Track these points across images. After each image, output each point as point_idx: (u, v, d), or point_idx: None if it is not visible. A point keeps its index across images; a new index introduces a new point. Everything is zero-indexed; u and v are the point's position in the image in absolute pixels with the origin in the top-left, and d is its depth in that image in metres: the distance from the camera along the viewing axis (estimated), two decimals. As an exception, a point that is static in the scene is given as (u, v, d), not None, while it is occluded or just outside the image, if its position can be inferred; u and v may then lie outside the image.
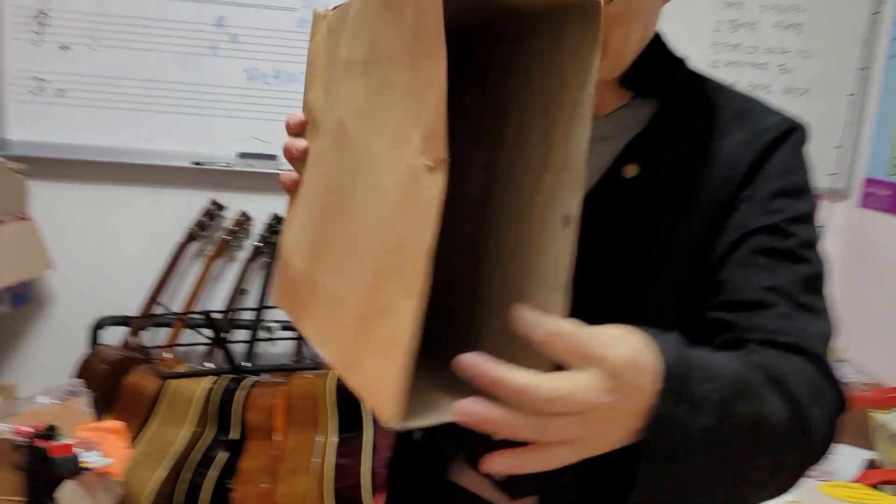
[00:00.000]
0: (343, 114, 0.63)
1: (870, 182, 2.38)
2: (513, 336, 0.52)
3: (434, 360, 0.60)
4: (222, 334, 2.04)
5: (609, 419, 0.48)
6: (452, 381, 0.53)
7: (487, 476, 0.85)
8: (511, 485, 0.83)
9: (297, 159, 0.72)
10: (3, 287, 2.02)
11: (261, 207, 2.33)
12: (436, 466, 0.88)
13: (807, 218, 0.73)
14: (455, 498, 0.89)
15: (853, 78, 2.41)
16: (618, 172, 0.76)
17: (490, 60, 0.66)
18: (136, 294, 2.27)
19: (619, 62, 0.73)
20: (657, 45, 0.80)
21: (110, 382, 2.06)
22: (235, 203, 2.33)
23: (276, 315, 2.27)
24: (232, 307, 2.25)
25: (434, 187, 0.48)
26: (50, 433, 1.45)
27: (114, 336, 2.28)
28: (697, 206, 0.74)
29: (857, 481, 1.68)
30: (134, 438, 2.01)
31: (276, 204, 2.34)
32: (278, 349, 2.35)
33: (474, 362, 0.46)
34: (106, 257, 2.32)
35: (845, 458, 1.78)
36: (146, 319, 2.24)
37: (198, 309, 2.26)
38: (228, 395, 2.05)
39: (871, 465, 1.78)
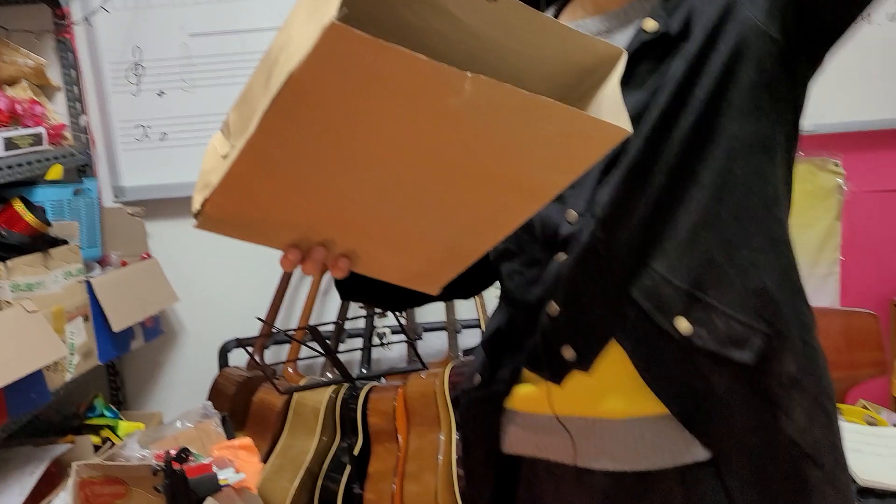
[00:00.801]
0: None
1: None
2: None
3: None
4: (334, 344, 2.11)
5: None
6: None
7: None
8: (584, 352, 0.87)
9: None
10: (137, 323, 2.18)
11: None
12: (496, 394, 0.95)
13: None
14: (514, 471, 0.96)
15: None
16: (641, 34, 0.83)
17: None
18: (258, 315, 2.38)
19: None
20: None
21: (240, 401, 2.18)
22: (335, 217, 2.40)
23: (386, 321, 2.32)
24: (343, 318, 2.32)
25: None
26: (185, 455, 1.55)
27: (242, 357, 2.41)
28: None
29: None
30: (268, 452, 2.12)
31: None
32: (393, 353, 2.40)
33: None
34: (224, 283, 2.45)
35: None
36: (267, 339, 2.36)
37: (313, 322, 2.35)
38: (349, 402, 2.12)
39: None
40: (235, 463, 1.73)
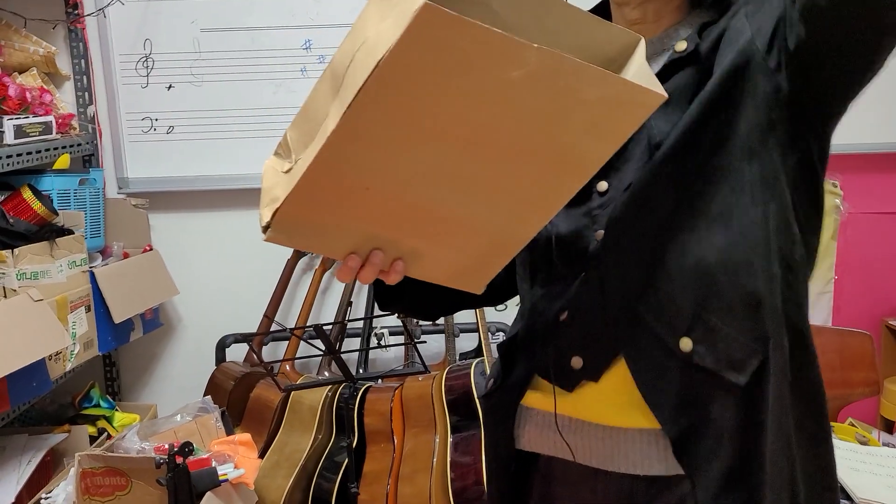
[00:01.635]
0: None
1: None
2: None
3: None
4: (335, 344, 2.12)
5: None
6: None
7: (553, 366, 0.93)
8: (592, 362, 0.91)
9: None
10: (137, 314, 2.19)
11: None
12: (514, 393, 0.99)
13: None
14: (529, 467, 0.99)
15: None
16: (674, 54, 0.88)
17: None
18: (256, 311, 2.39)
19: None
20: None
21: (237, 397, 2.19)
22: (338, 217, 2.41)
23: (385, 322, 2.33)
24: (343, 318, 2.33)
25: None
26: (188, 449, 1.56)
27: (239, 353, 2.41)
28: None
29: None
30: (264, 449, 2.13)
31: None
32: (390, 354, 2.42)
33: None
34: (224, 278, 2.46)
35: None
36: (265, 335, 2.36)
37: (312, 321, 2.36)
38: (346, 402, 2.13)
39: None
40: (235, 459, 1.74)
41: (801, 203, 0.89)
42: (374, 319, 2.35)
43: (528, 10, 0.73)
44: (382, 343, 2.30)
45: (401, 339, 2.33)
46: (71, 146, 2.13)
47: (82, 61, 2.26)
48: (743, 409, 0.84)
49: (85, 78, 2.27)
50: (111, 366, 2.42)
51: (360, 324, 2.35)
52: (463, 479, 2.02)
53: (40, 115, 1.98)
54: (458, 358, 2.31)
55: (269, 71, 2.31)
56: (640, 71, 0.72)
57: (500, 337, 2.29)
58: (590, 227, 0.90)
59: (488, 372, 1.09)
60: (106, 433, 2.09)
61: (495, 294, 1.06)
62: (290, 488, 2.04)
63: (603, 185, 0.90)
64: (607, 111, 0.69)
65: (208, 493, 1.60)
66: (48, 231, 1.80)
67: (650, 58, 0.90)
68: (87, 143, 2.25)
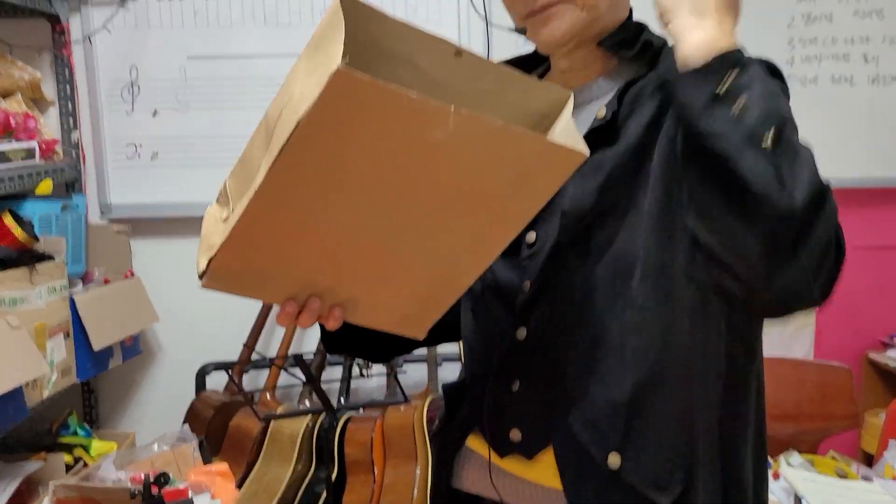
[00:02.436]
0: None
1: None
2: None
3: None
4: (316, 373, 2.11)
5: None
6: None
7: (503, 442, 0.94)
8: (529, 442, 0.92)
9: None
10: (116, 342, 2.16)
11: (346, 247, 2.41)
12: (457, 439, 1.00)
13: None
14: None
15: (945, 59, 2.28)
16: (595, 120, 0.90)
17: None
18: (237, 339, 2.37)
19: (592, 14, 0.88)
20: (633, 23, 0.94)
21: (216, 426, 2.17)
22: (321, 245, 2.41)
23: (367, 350, 2.32)
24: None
25: None
26: (163, 479, 1.54)
27: (219, 381, 2.39)
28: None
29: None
30: (243, 478, 2.10)
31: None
32: (372, 383, 2.40)
33: None
34: (205, 306, 2.43)
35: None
36: (246, 364, 2.35)
37: (293, 350, 2.34)
38: (326, 432, 2.11)
39: None
40: (212, 489, 1.72)
41: (724, 322, 0.87)
42: (357, 348, 2.33)
43: (462, 72, 0.74)
44: (364, 372, 2.28)
45: (382, 368, 2.32)
46: (54, 171, 2.12)
47: (67, 87, 2.27)
48: None
49: (70, 103, 2.27)
50: (89, 393, 2.39)
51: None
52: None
53: (24, 141, 1.97)
54: (440, 389, 2.30)
55: (254, 99, 2.32)
56: (566, 128, 0.74)
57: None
58: (521, 278, 0.91)
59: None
60: (82, 461, 2.06)
61: (443, 334, 1.04)
62: (268, 520, 2.01)
63: (531, 236, 0.91)
64: (530, 169, 0.70)
65: (184, 525, 1.58)
66: (28, 257, 1.79)
67: (578, 106, 0.91)
68: (71, 169, 2.24)
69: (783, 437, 1.87)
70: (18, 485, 1.81)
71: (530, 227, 0.86)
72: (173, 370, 2.46)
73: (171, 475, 1.65)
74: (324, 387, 2.15)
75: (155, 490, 1.52)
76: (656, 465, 0.84)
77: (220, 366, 2.38)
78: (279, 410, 2.19)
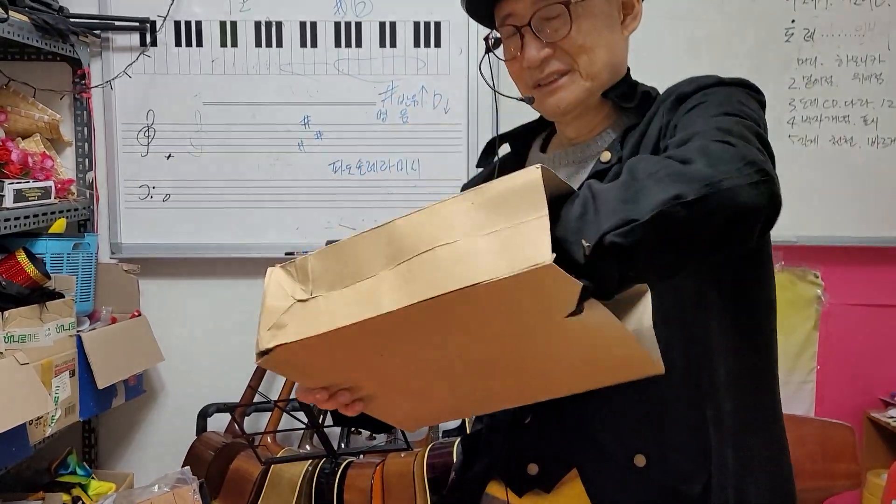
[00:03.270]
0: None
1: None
2: None
3: None
4: (317, 417, 2.11)
5: None
6: None
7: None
8: (546, 473, 0.94)
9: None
10: (120, 381, 2.17)
11: (351, 292, 2.43)
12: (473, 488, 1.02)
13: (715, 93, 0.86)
14: None
15: (943, 123, 2.33)
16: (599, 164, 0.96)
17: None
18: (240, 380, 2.38)
19: (595, 82, 0.96)
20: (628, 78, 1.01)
21: (217, 468, 2.16)
22: (327, 289, 2.43)
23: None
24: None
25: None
26: (162, 522, 1.54)
27: (221, 422, 2.39)
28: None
29: None
30: (240, 523, 2.09)
31: (366, 287, 2.43)
32: (374, 429, 2.40)
33: None
34: (210, 346, 2.45)
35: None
36: (248, 406, 2.35)
37: (295, 394, 2.35)
38: (326, 477, 2.10)
39: None
40: (210, 532, 1.71)
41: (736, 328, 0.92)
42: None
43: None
44: (366, 418, 2.28)
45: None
46: (68, 211, 2.16)
47: (85, 129, 2.32)
48: None
49: (87, 145, 2.32)
50: (90, 432, 2.39)
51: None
52: (442, 561, 1.99)
53: (40, 180, 2.01)
54: (441, 435, 2.29)
55: (267, 144, 2.37)
56: (648, 337, 0.75)
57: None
58: None
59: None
60: (81, 502, 2.05)
61: None
62: (265, 565, 2.00)
63: None
64: (611, 360, 0.73)
65: (182, 569, 1.57)
66: (39, 294, 1.81)
67: (589, 158, 0.98)
68: (84, 209, 2.28)
69: (784, 495, 1.86)
70: (16, 523, 1.80)
71: None
72: (175, 410, 2.46)
73: (170, 517, 1.64)
74: (325, 431, 2.16)
75: (155, 532, 1.51)
76: (680, 458, 0.87)
77: (222, 407, 2.38)
78: (280, 454, 2.18)
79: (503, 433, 0.97)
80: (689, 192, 0.64)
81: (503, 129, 1.14)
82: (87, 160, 2.33)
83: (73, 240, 2.14)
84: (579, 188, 0.68)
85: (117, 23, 2.29)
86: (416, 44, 2.34)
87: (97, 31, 2.28)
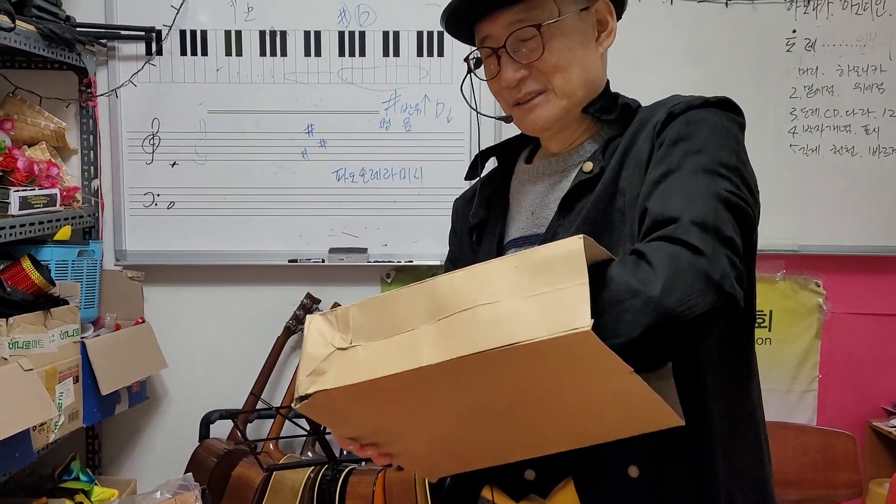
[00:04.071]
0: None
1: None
2: None
3: None
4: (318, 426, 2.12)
5: None
6: None
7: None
8: (543, 479, 0.96)
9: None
10: (123, 387, 2.18)
11: (353, 298, 2.43)
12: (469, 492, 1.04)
13: (698, 151, 0.86)
14: None
15: (945, 132, 2.34)
16: (581, 174, 0.99)
17: None
18: (243, 387, 2.39)
19: (571, 100, 0.99)
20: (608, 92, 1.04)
21: (219, 474, 2.17)
22: (329, 295, 2.45)
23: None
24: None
25: None
26: (164, 528, 1.54)
27: (223, 429, 2.40)
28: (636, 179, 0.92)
29: None
30: (242, 529, 2.09)
31: (367, 294, 2.43)
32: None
33: None
34: (213, 353, 2.47)
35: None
36: (251, 412, 2.36)
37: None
38: (328, 484, 2.11)
39: None
40: (212, 539, 1.72)
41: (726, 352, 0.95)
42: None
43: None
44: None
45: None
46: (73, 218, 2.17)
47: (91, 137, 2.34)
48: None
49: (92, 153, 2.34)
50: (93, 438, 2.40)
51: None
52: (443, 568, 1.99)
53: (46, 188, 2.03)
54: (443, 443, 2.30)
55: (271, 152, 2.39)
56: (668, 391, 0.77)
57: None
58: None
59: None
60: (83, 507, 2.06)
61: None
62: (266, 572, 2.00)
63: None
64: (640, 414, 0.75)
65: (183, 574, 1.58)
66: (44, 301, 1.83)
67: (570, 168, 1.01)
68: (89, 216, 2.30)
69: (786, 504, 1.87)
70: (19, 529, 1.81)
71: None
72: (178, 417, 2.47)
73: (172, 523, 1.65)
74: (327, 437, 2.16)
75: (156, 537, 1.52)
76: (672, 469, 0.89)
77: (224, 414, 2.39)
78: (282, 461, 2.19)
79: None
80: (656, 322, 0.71)
81: (506, 136, 1.18)
82: (92, 168, 2.35)
83: (77, 247, 2.15)
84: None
85: (123, 32, 2.31)
86: (420, 53, 2.36)
87: (103, 41, 2.31)
